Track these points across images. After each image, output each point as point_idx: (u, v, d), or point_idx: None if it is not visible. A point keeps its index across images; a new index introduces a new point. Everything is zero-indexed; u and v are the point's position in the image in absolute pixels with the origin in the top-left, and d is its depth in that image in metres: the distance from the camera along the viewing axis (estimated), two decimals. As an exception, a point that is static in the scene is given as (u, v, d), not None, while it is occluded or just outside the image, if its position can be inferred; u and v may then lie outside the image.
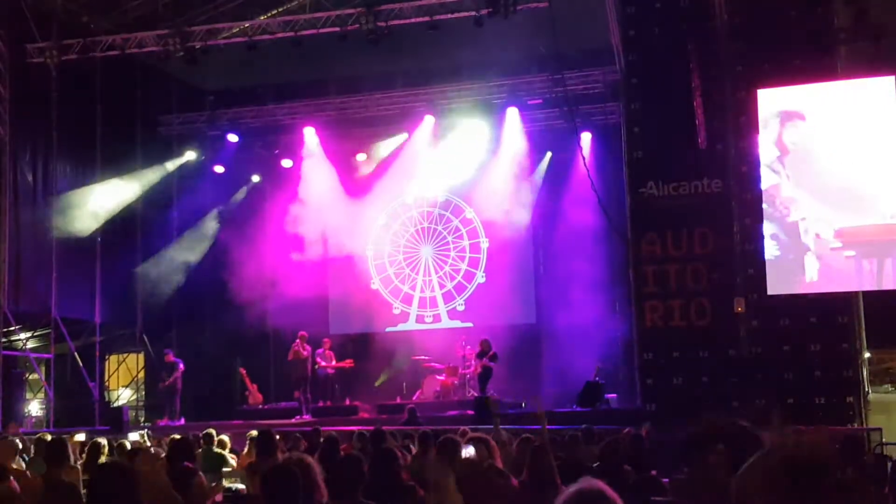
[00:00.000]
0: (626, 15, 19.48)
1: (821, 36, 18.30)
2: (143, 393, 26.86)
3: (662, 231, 18.69)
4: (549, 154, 24.92)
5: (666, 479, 8.38)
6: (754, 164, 18.23)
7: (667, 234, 18.64)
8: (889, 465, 11.31)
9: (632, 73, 19.55)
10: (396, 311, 26.15)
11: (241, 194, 26.74)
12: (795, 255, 17.73)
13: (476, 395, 20.97)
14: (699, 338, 18.28)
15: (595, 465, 9.97)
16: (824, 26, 18.44)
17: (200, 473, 5.57)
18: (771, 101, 18.16)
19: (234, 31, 22.39)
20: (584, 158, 21.53)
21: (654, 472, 9.12)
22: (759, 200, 18.06)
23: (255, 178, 26.86)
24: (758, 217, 18.05)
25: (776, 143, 17.97)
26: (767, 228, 17.83)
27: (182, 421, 21.88)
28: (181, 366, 22.49)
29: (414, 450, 11.24)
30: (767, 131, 18.04)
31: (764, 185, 17.94)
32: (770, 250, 17.79)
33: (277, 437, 10.24)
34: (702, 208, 18.47)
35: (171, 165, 25.94)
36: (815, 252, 17.56)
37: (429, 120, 24.84)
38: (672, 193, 18.62)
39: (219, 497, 7.59)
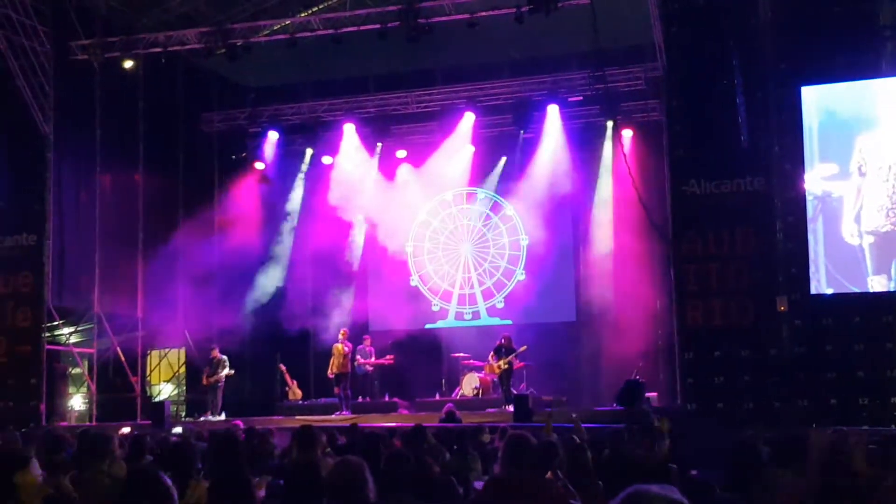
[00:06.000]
0: (668, 11, 19.34)
1: (865, 33, 18.13)
2: (185, 388, 27.01)
3: (704, 229, 18.53)
4: (589, 152, 24.79)
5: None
6: (797, 162, 18.09)
7: (708, 232, 18.48)
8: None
9: (674, 70, 19.41)
10: (436, 308, 26.14)
11: (281, 191, 26.78)
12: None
13: (516, 392, 20.91)
14: (741, 337, 18.10)
15: (642, 463, 9.92)
16: (869, 23, 18.26)
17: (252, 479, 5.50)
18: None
19: (276, 28, 22.52)
20: (625, 156, 21.43)
21: (694, 472, 9.05)
22: (803, 199, 17.94)
23: (298, 176, 26.92)
24: (801, 215, 17.92)
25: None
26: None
27: (223, 416, 22.00)
28: (227, 363, 22.58)
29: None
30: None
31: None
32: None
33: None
34: (744, 206, 18.29)
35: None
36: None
37: (469, 117, 24.78)
38: (714, 191, 18.47)
39: (262, 493, 7.61)
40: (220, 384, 22.46)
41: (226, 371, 22.46)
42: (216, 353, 22.75)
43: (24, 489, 4.20)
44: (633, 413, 19.14)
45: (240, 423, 18.90)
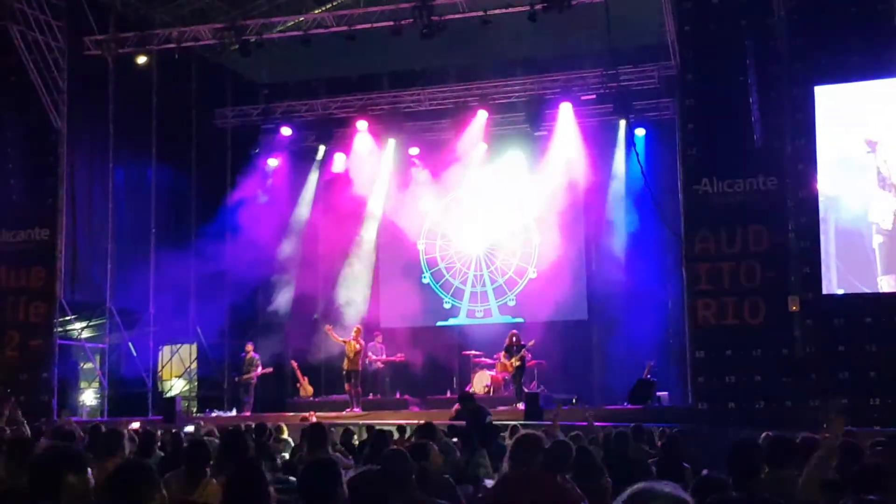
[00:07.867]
0: (682, 10, 19.33)
1: (879, 32, 18.08)
2: (196, 384, 27.07)
3: (716, 228, 18.52)
4: (602, 150, 24.73)
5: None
6: (810, 162, 18.06)
7: (721, 231, 18.48)
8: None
9: (687, 68, 19.39)
10: (447, 306, 26.12)
11: (293, 187, 26.80)
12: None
13: (527, 390, 20.90)
14: (752, 336, 18.08)
15: (653, 461, 9.90)
16: (883, 23, 18.20)
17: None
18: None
19: (289, 24, 22.55)
20: (637, 154, 21.41)
21: (705, 472, 9.02)
22: (815, 198, 17.90)
23: (310, 172, 26.92)
24: (813, 215, 17.89)
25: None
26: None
27: (233, 412, 22.12)
28: (259, 361, 22.82)
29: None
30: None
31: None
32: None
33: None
34: (757, 206, 18.29)
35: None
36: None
37: (482, 114, 24.72)
38: (727, 190, 18.47)
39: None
40: (252, 382, 22.62)
41: (259, 370, 22.65)
42: (251, 351, 22.92)
43: (73, 489, 4.09)
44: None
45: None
